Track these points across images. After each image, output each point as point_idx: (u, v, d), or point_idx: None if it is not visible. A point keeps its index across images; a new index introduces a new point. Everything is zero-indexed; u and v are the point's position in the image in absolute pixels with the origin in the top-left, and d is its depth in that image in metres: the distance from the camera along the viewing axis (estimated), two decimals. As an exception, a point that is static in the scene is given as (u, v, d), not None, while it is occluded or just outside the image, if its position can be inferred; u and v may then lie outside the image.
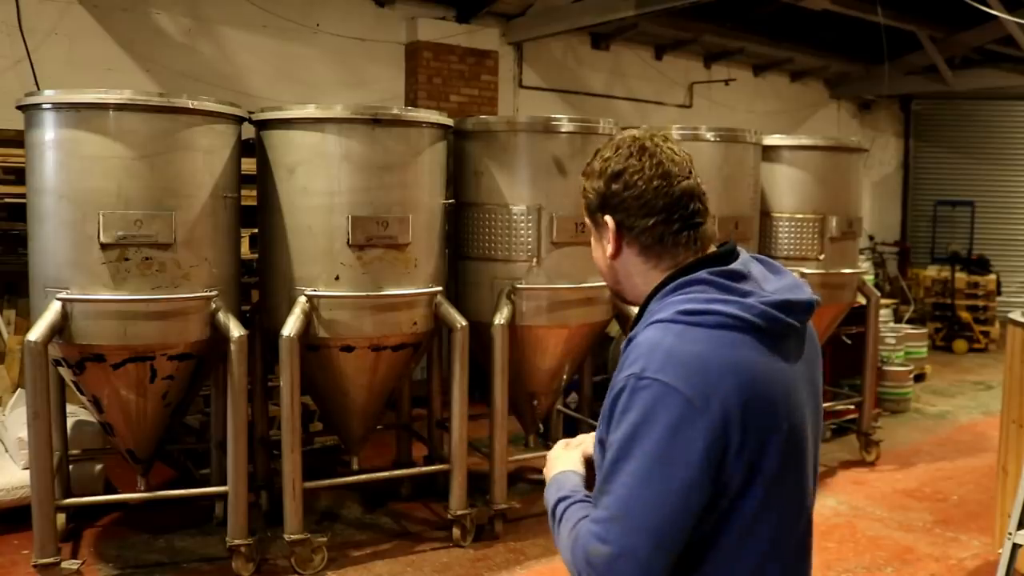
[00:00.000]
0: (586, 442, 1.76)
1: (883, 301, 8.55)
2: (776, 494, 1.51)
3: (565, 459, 1.74)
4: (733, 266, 1.58)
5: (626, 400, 1.46)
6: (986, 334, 11.72)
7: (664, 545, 1.43)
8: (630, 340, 1.56)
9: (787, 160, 6.31)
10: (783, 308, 1.54)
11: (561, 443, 1.83)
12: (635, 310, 1.69)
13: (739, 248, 1.67)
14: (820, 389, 1.70)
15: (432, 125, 4.75)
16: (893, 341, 8.63)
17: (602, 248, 1.67)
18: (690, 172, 1.62)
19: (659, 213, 1.59)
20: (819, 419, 1.69)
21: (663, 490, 1.42)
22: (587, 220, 1.70)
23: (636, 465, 1.43)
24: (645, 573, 1.42)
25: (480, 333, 4.95)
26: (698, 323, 1.48)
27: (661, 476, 1.42)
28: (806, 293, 1.62)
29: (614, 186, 1.61)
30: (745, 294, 1.53)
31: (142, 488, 4.74)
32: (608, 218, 1.62)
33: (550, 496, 1.67)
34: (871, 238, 12.83)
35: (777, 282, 1.61)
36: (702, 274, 1.55)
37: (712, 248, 1.64)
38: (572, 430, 6.38)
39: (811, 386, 1.64)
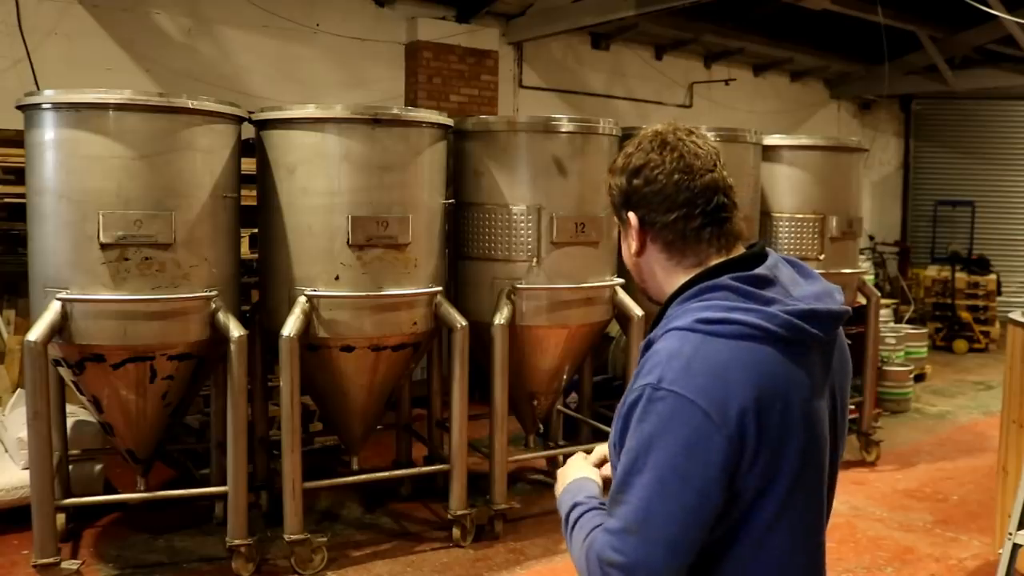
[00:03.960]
0: (604, 454, 1.76)
1: (883, 301, 8.56)
2: (791, 505, 1.49)
3: (581, 466, 1.74)
4: (759, 271, 1.53)
5: (642, 410, 1.43)
6: (986, 334, 11.72)
7: (679, 555, 1.42)
8: (648, 344, 1.53)
9: (787, 160, 6.31)
10: (807, 318, 1.48)
11: (580, 454, 1.81)
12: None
13: (769, 249, 1.62)
14: (846, 401, 1.65)
15: (432, 125, 4.75)
16: (893, 341, 8.63)
17: (628, 245, 1.65)
18: (715, 165, 1.58)
19: (680, 207, 1.55)
20: (842, 432, 1.64)
21: (679, 502, 1.40)
22: (616, 218, 1.69)
23: (651, 477, 1.41)
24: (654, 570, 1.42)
25: (480, 333, 4.95)
26: (716, 333, 1.45)
27: (677, 489, 1.40)
28: (836, 302, 1.57)
29: (635, 181, 1.58)
30: (768, 302, 1.48)
31: (142, 488, 4.74)
32: (631, 214, 1.60)
33: (564, 502, 1.67)
34: (871, 238, 12.83)
35: (807, 288, 1.57)
36: (725, 279, 1.51)
37: (741, 248, 1.60)
38: (572, 430, 6.38)
39: (835, 399, 1.60)
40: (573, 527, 1.59)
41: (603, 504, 1.59)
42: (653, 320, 1.60)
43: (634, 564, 1.41)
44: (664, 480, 1.40)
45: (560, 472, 1.78)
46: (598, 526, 1.50)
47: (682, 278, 1.57)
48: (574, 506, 1.62)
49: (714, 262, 1.57)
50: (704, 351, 1.43)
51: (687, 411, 1.40)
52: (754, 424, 1.41)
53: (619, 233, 1.70)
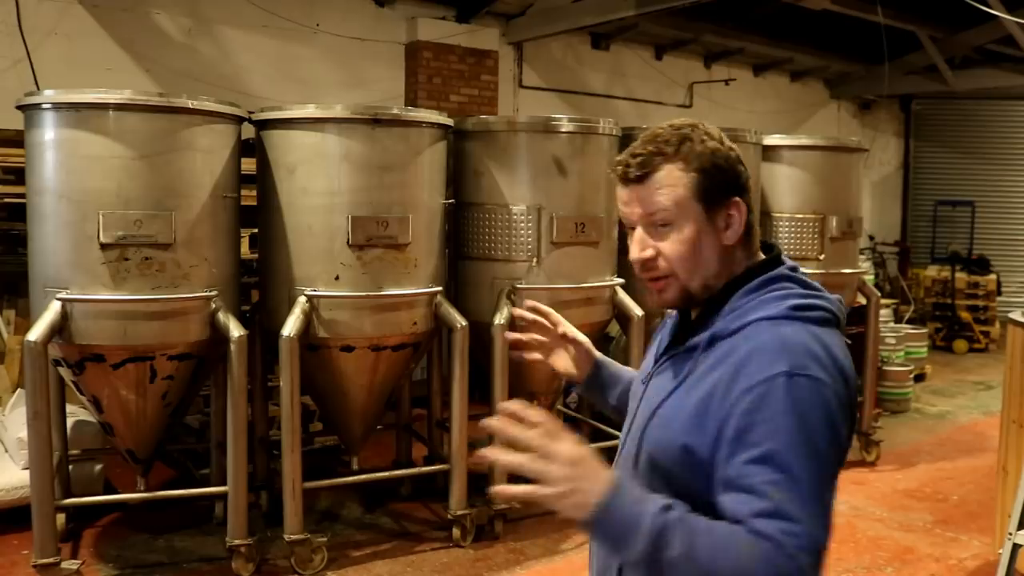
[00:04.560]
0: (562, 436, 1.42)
1: (883, 301, 8.56)
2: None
3: (598, 472, 1.40)
4: (791, 263, 1.61)
5: (780, 397, 1.39)
6: (986, 334, 11.72)
7: (830, 529, 1.42)
8: (715, 337, 1.51)
9: (787, 160, 6.31)
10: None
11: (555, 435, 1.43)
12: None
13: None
14: None
15: (432, 125, 4.75)
16: (893, 341, 8.63)
17: (717, 236, 1.56)
18: None
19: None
20: None
21: (828, 479, 1.41)
22: (682, 206, 1.55)
23: (806, 458, 1.38)
24: (823, 558, 1.40)
25: (480, 333, 4.95)
26: (808, 319, 1.49)
27: (825, 467, 1.40)
28: None
29: (741, 167, 1.60)
30: (820, 289, 1.56)
31: (142, 488, 4.74)
32: (739, 199, 1.58)
33: (633, 512, 1.37)
34: (871, 238, 12.83)
35: None
36: (783, 270, 1.57)
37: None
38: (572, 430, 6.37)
39: None
40: (692, 529, 1.37)
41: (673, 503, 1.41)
42: (703, 313, 1.59)
43: (812, 543, 1.35)
44: (817, 459, 1.39)
45: (575, 475, 1.39)
46: (741, 523, 1.37)
47: (736, 269, 1.59)
48: (664, 509, 1.37)
49: (758, 257, 1.61)
50: (809, 336, 1.47)
51: (822, 391, 1.41)
52: (852, 399, 1.50)
53: (696, 224, 1.56)
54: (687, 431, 1.48)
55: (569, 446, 1.39)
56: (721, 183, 1.56)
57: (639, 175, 1.55)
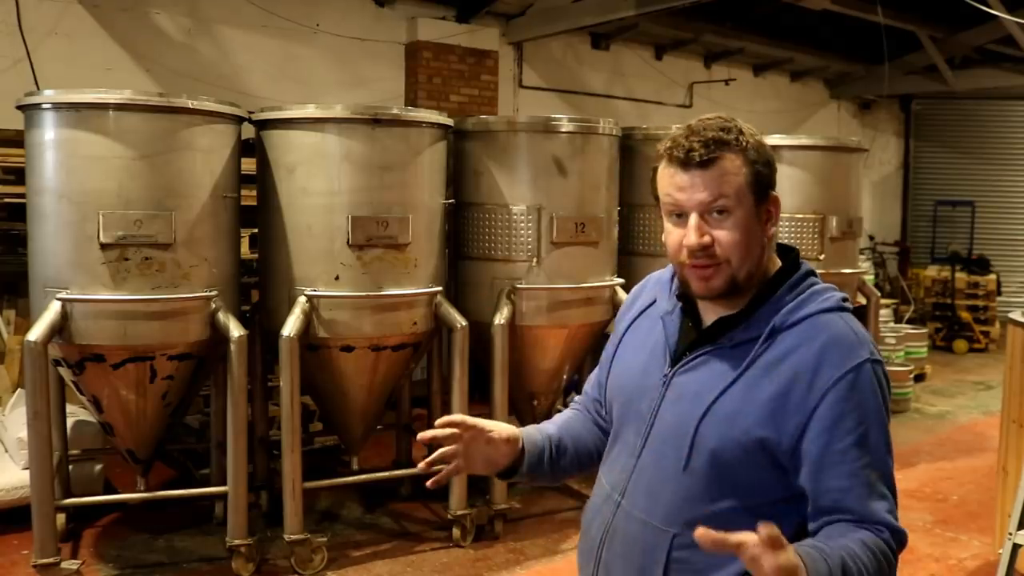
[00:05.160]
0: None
1: (883, 301, 8.56)
2: None
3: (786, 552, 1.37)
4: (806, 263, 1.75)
5: (868, 383, 1.53)
6: (986, 334, 11.72)
7: None
8: (778, 329, 1.58)
9: (787, 160, 6.31)
10: None
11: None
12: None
13: None
14: None
15: (432, 125, 4.75)
16: (893, 341, 8.63)
17: (762, 228, 1.61)
18: None
19: None
20: None
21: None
22: (741, 195, 1.58)
23: (889, 439, 1.60)
24: None
25: (480, 333, 4.95)
26: (848, 309, 1.65)
27: (891, 443, 1.62)
28: None
29: (775, 165, 1.65)
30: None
31: (142, 488, 4.74)
32: (776, 195, 1.64)
33: (824, 568, 1.40)
34: (871, 238, 12.83)
35: None
36: (808, 267, 1.69)
37: None
38: (572, 430, 6.37)
39: None
40: (858, 568, 1.47)
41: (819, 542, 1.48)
42: (747, 306, 1.62)
43: (896, 505, 1.60)
44: (888, 435, 1.59)
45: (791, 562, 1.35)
46: (867, 521, 1.53)
47: (768, 265, 1.65)
48: (841, 566, 1.43)
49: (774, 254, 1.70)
50: (860, 325, 1.64)
51: (886, 372, 1.60)
52: None
53: (745, 217, 1.59)
54: (763, 423, 1.52)
55: (787, 560, 1.32)
56: (767, 178, 1.61)
57: (706, 159, 1.55)
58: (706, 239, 1.56)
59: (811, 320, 1.57)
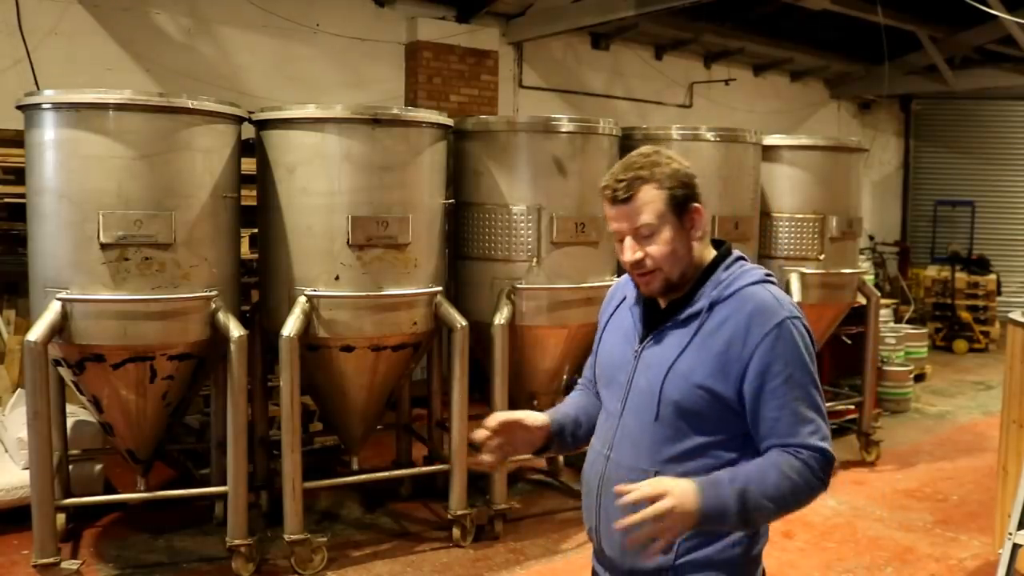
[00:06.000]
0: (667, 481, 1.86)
1: (883, 301, 8.55)
2: None
3: (680, 484, 1.83)
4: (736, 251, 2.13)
5: (789, 336, 1.92)
6: (986, 334, 11.72)
7: None
8: (713, 303, 1.96)
9: (787, 160, 6.31)
10: None
11: (656, 483, 1.84)
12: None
13: None
14: None
15: (432, 125, 4.75)
16: (893, 341, 8.63)
17: (687, 236, 2.00)
18: None
19: None
20: None
21: (820, 390, 1.97)
22: (661, 217, 1.97)
23: (814, 377, 1.95)
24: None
25: (480, 333, 4.95)
26: (773, 283, 2.04)
27: (816, 375, 1.96)
28: None
29: (696, 181, 2.02)
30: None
31: (142, 488, 4.74)
32: (698, 205, 2.01)
33: (717, 498, 1.83)
34: (871, 238, 12.83)
35: None
36: (738, 252, 2.09)
37: None
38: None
39: None
40: (753, 484, 1.85)
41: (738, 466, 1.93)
42: (694, 288, 2.01)
43: (825, 433, 1.93)
44: (816, 373, 1.95)
45: (675, 501, 1.78)
46: (790, 445, 1.89)
47: (707, 256, 2.05)
48: (731, 480, 1.86)
49: (709, 242, 2.09)
50: (783, 293, 2.02)
51: (806, 326, 1.97)
52: None
53: (670, 227, 1.99)
54: (711, 375, 1.93)
55: (657, 493, 1.79)
56: (684, 196, 1.99)
57: (626, 197, 1.97)
58: (638, 255, 1.99)
59: (741, 292, 1.97)
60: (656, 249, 1.97)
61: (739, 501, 1.83)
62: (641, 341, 2.07)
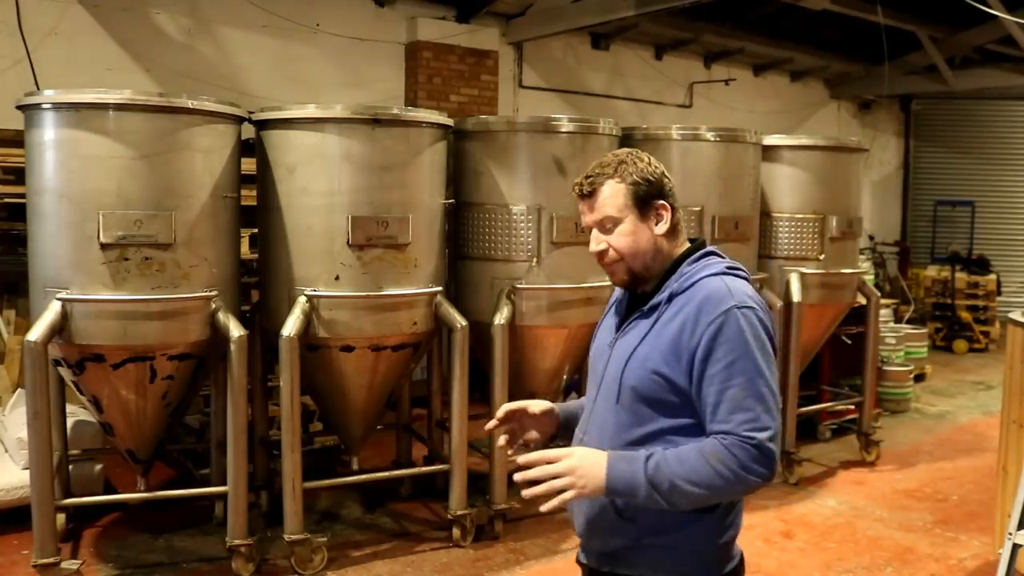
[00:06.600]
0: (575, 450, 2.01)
1: (883, 301, 8.55)
2: None
3: (592, 453, 1.97)
4: (712, 247, 2.20)
5: (735, 323, 1.96)
6: (986, 334, 11.72)
7: (779, 410, 1.98)
8: (673, 295, 2.05)
9: (787, 160, 6.31)
10: None
11: (562, 452, 1.98)
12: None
13: None
14: None
15: (432, 125, 4.75)
16: (893, 341, 8.62)
17: (649, 229, 2.11)
18: None
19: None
20: None
21: (775, 378, 1.99)
22: (622, 210, 2.09)
23: (764, 365, 1.96)
24: (777, 434, 1.95)
25: (480, 333, 4.95)
26: (737, 274, 2.10)
27: (772, 370, 1.99)
28: None
29: (666, 179, 2.12)
30: (735, 260, 2.16)
31: (142, 488, 4.74)
32: (663, 202, 2.11)
33: (628, 471, 1.92)
34: (871, 238, 12.83)
35: None
36: (712, 248, 2.17)
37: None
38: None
39: None
40: (669, 467, 1.91)
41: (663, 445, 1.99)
42: (660, 282, 2.12)
43: (776, 430, 1.94)
44: (768, 365, 1.98)
45: (575, 465, 1.93)
46: (716, 435, 1.92)
47: (677, 251, 2.14)
48: (648, 459, 1.92)
49: (686, 239, 2.18)
50: (741, 284, 2.07)
51: (760, 315, 2.01)
52: None
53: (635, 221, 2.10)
54: (664, 362, 2.01)
55: (562, 456, 1.95)
56: (648, 192, 2.10)
57: (589, 191, 2.12)
58: (601, 246, 2.13)
59: (698, 283, 2.05)
60: (617, 240, 2.10)
61: (651, 478, 1.89)
62: (616, 332, 2.20)
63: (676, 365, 1.99)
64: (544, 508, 1.99)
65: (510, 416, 2.27)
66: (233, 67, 7.61)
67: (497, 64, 9.14)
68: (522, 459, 1.98)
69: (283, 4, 7.81)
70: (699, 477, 1.89)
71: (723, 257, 2.15)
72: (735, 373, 1.93)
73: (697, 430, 1.99)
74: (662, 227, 2.11)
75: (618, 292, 2.30)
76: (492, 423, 2.29)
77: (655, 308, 2.08)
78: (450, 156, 5.05)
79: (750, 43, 10.79)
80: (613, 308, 2.31)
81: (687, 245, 2.17)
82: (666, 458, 1.92)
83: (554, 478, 1.91)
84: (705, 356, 1.95)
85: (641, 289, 2.17)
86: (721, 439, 1.91)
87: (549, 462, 1.93)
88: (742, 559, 2.15)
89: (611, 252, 2.12)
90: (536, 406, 2.30)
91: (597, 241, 2.13)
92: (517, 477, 1.96)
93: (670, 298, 2.06)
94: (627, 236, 2.10)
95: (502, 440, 2.29)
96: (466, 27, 8.81)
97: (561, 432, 2.34)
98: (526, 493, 1.98)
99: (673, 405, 2.02)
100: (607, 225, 2.10)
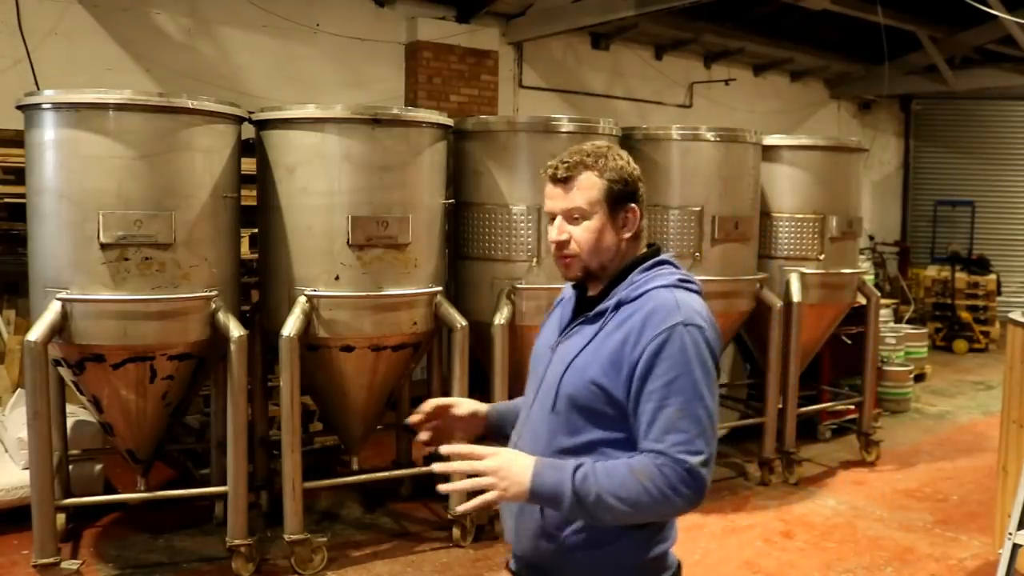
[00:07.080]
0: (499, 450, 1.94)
1: (883, 301, 8.55)
2: None
3: (520, 457, 1.91)
4: (668, 255, 2.14)
5: (679, 341, 1.89)
6: (986, 334, 11.72)
7: (714, 433, 1.91)
8: (620, 302, 1.98)
9: (787, 160, 6.31)
10: None
11: (489, 450, 1.91)
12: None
13: None
14: None
15: (432, 125, 4.75)
16: (893, 341, 8.63)
17: (615, 230, 2.04)
18: None
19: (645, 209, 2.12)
20: None
21: (714, 402, 1.91)
22: (593, 205, 2.02)
23: (703, 387, 1.89)
24: (710, 455, 1.88)
25: (480, 333, 4.95)
26: (689, 288, 2.03)
27: (712, 393, 1.91)
28: None
29: (640, 183, 2.07)
30: (687, 272, 2.10)
31: (142, 488, 4.74)
32: (635, 206, 2.06)
33: (555, 478, 1.85)
34: (871, 238, 12.83)
35: None
36: (666, 257, 2.10)
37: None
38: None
39: None
40: (598, 479, 1.84)
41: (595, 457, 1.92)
42: (609, 287, 2.05)
43: (709, 455, 1.86)
44: (708, 387, 1.90)
45: (499, 466, 1.86)
46: (649, 453, 1.85)
47: (628, 257, 2.07)
48: (577, 469, 1.85)
49: (645, 247, 2.12)
50: (692, 299, 1.99)
51: (705, 335, 1.93)
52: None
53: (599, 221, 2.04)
54: (603, 373, 1.94)
55: (488, 454, 1.88)
56: (622, 193, 2.03)
57: (565, 177, 2.03)
58: (564, 236, 2.04)
59: (647, 294, 1.97)
60: (581, 234, 2.03)
61: (576, 489, 1.82)
62: (560, 335, 2.13)
63: (615, 377, 1.93)
64: (460, 509, 1.96)
65: (437, 413, 2.23)
66: (233, 67, 7.61)
67: (497, 64, 9.14)
68: (444, 449, 1.91)
69: (283, 4, 7.81)
70: (626, 493, 1.82)
71: (677, 268, 2.08)
72: (673, 392, 1.86)
73: (631, 444, 1.92)
74: (628, 231, 2.05)
75: (566, 291, 2.23)
76: (416, 416, 2.23)
77: (601, 315, 2.01)
78: (450, 156, 5.05)
79: (750, 43, 10.79)
80: (559, 308, 2.24)
81: (642, 251, 2.11)
82: (595, 470, 1.85)
83: (477, 476, 1.85)
84: (645, 371, 1.89)
85: (592, 290, 2.11)
86: (653, 458, 1.84)
87: (474, 458, 1.87)
88: (679, 568, 2.09)
89: (572, 245, 2.04)
90: (463, 406, 2.25)
91: (560, 231, 2.05)
92: (436, 467, 1.90)
93: (617, 306, 1.99)
94: (592, 233, 2.03)
95: (423, 436, 2.24)
96: (466, 27, 8.81)
97: (492, 434, 2.27)
98: (443, 488, 1.96)
99: (609, 417, 1.95)
100: (575, 215, 2.03)
